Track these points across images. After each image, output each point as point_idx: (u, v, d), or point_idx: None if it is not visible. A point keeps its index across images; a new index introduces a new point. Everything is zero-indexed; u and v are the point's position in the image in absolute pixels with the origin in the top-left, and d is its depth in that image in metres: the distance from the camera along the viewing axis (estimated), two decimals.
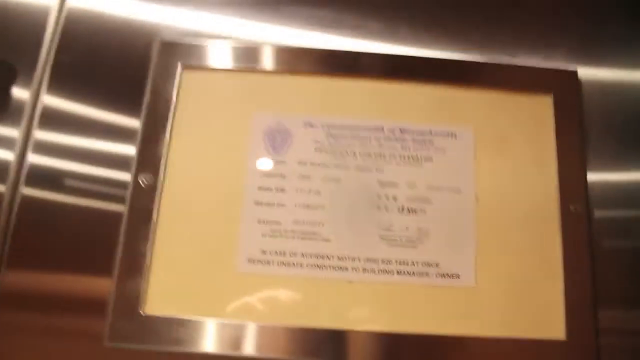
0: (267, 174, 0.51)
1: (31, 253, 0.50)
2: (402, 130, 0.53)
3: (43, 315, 0.48)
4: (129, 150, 0.52)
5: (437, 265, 0.49)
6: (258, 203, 0.50)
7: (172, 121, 0.53)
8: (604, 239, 0.52)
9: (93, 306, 0.48)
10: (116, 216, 0.50)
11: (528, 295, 0.49)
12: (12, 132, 0.53)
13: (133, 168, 0.51)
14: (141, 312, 0.47)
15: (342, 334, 0.47)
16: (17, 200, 0.51)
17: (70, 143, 0.53)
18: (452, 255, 0.50)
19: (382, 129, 0.53)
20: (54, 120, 0.54)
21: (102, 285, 0.48)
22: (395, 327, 0.48)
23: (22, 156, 0.52)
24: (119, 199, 0.51)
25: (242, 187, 0.51)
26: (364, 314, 0.48)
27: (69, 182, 0.52)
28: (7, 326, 0.48)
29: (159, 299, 0.48)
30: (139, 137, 0.52)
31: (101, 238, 0.50)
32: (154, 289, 0.48)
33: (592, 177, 0.53)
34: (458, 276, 0.49)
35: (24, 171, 0.52)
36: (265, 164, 0.52)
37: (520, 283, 0.49)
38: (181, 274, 0.48)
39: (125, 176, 0.52)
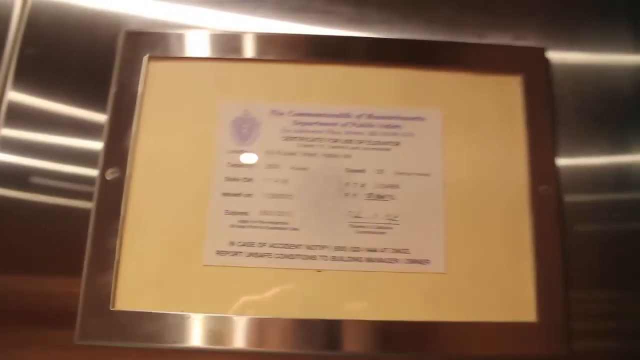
0: (235, 165, 0.51)
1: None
2: (369, 116, 0.52)
3: (11, 320, 0.48)
4: (97, 145, 0.52)
5: (406, 251, 0.49)
6: (225, 194, 0.50)
7: (139, 113, 0.52)
8: (574, 221, 0.52)
9: (63, 306, 0.48)
10: (85, 213, 0.50)
11: (498, 279, 0.49)
12: None
13: (100, 162, 0.51)
14: (111, 308, 0.47)
15: (312, 323, 0.47)
16: None
17: (36, 140, 0.53)
18: (422, 240, 0.49)
19: (350, 114, 0.52)
20: (19, 116, 0.53)
21: (72, 284, 0.48)
22: (366, 315, 0.48)
23: None
24: (87, 196, 0.50)
25: (210, 179, 0.50)
26: (334, 303, 0.48)
27: (36, 179, 0.52)
28: None
29: (129, 294, 0.48)
30: (105, 129, 0.52)
31: (70, 236, 0.49)
32: (123, 284, 0.48)
33: (562, 159, 0.53)
34: (428, 262, 0.49)
35: None
36: (232, 154, 0.51)
37: (491, 267, 0.49)
38: (150, 268, 0.48)
39: (93, 172, 0.51)
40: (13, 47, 0.55)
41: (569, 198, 0.52)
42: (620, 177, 0.53)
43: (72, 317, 0.47)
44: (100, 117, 0.53)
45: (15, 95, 0.54)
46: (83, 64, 0.55)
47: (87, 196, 0.51)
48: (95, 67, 0.54)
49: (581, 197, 0.53)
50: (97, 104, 0.53)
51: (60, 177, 0.52)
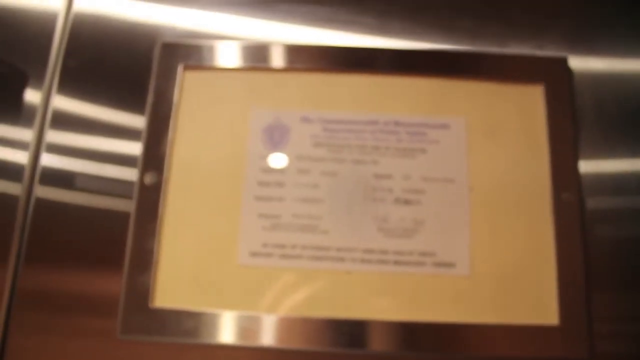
0: (267, 170, 0.53)
1: (46, 253, 0.52)
2: (396, 123, 0.54)
3: (58, 313, 0.51)
4: (135, 148, 0.55)
5: (433, 254, 0.51)
6: (258, 198, 0.52)
7: (175, 120, 0.55)
8: (596, 227, 0.53)
9: (106, 302, 0.50)
10: (125, 214, 0.53)
11: (521, 282, 0.51)
12: (26, 135, 0.55)
13: (139, 167, 0.53)
14: (150, 305, 0.49)
15: (340, 323, 0.49)
16: (32, 201, 0.53)
17: (79, 144, 0.55)
18: (447, 244, 0.51)
19: (377, 122, 0.54)
20: (64, 121, 0.56)
21: (114, 282, 0.51)
22: (393, 316, 0.49)
23: (35, 158, 0.55)
24: (127, 197, 0.53)
25: (243, 183, 0.53)
26: (363, 304, 0.50)
27: (80, 181, 0.54)
28: (24, 324, 0.50)
29: (167, 292, 0.50)
30: (143, 136, 0.54)
31: (112, 236, 0.52)
32: (161, 283, 0.50)
33: (584, 166, 0.54)
34: (453, 265, 0.51)
35: (38, 172, 0.54)
36: (264, 159, 0.54)
37: (514, 270, 0.51)
38: (187, 268, 0.51)
39: (132, 174, 0.54)
40: (57, 58, 0.58)
41: (591, 204, 0.53)
42: None
43: (115, 314, 0.50)
44: (138, 122, 0.55)
45: (59, 102, 0.57)
46: (122, 74, 0.57)
47: (127, 197, 0.53)
48: (133, 76, 0.57)
49: (603, 202, 0.54)
50: (134, 109, 0.56)
51: (101, 179, 0.54)
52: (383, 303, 0.50)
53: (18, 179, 0.54)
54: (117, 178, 0.54)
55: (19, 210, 0.53)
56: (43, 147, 0.55)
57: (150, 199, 0.52)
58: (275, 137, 0.54)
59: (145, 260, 0.51)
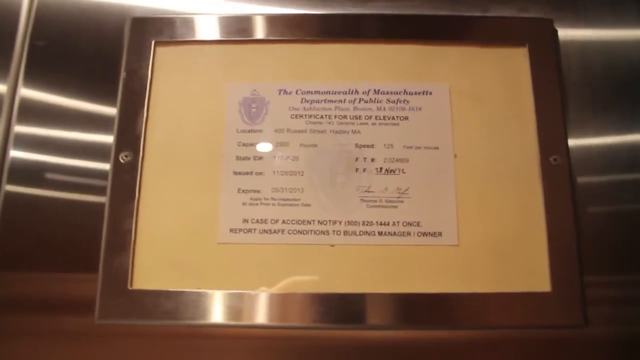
0: (245, 144, 0.52)
1: (18, 250, 0.50)
2: (376, 91, 0.53)
3: (34, 310, 0.49)
4: (109, 139, 0.52)
5: (418, 224, 0.50)
6: (237, 173, 0.51)
7: (149, 97, 0.53)
8: (585, 192, 0.51)
9: (82, 294, 0.49)
10: (99, 207, 0.51)
11: (512, 250, 0.49)
12: None
13: (113, 147, 0.52)
14: (129, 287, 0.48)
15: (327, 297, 0.48)
16: (1, 198, 0.51)
17: (49, 135, 0.53)
18: (433, 213, 0.50)
19: (357, 91, 0.53)
20: (32, 112, 0.54)
21: (89, 276, 0.49)
22: (380, 288, 0.48)
23: (3, 152, 0.53)
24: (101, 190, 0.51)
25: (221, 158, 0.51)
26: (348, 276, 0.48)
27: (50, 175, 0.52)
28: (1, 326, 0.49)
29: (146, 274, 0.49)
30: (116, 115, 0.52)
31: (84, 229, 0.50)
32: (140, 264, 0.49)
33: (572, 137, 0.53)
34: (440, 234, 0.49)
35: (6, 167, 0.52)
36: (242, 133, 0.52)
37: (503, 238, 0.49)
38: (166, 247, 0.49)
39: (106, 166, 0.52)
40: (23, 42, 0.56)
41: (579, 168, 0.52)
42: (631, 154, 0.53)
43: (91, 304, 0.48)
44: (111, 110, 0.53)
45: (27, 92, 0.54)
46: (92, 54, 0.55)
47: (101, 190, 0.51)
48: (104, 55, 0.55)
49: (592, 173, 0.52)
50: (107, 95, 0.54)
51: (73, 172, 0.52)
52: (369, 275, 0.49)
53: None
54: (89, 169, 0.52)
55: None
56: (11, 140, 0.53)
57: (126, 178, 0.51)
58: (253, 110, 0.52)
59: (122, 242, 0.49)
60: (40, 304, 0.49)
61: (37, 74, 0.55)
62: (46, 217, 0.51)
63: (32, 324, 0.49)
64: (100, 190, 0.51)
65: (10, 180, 0.52)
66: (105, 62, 0.54)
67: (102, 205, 0.50)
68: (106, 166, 0.52)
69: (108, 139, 0.52)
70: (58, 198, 0.52)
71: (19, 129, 0.53)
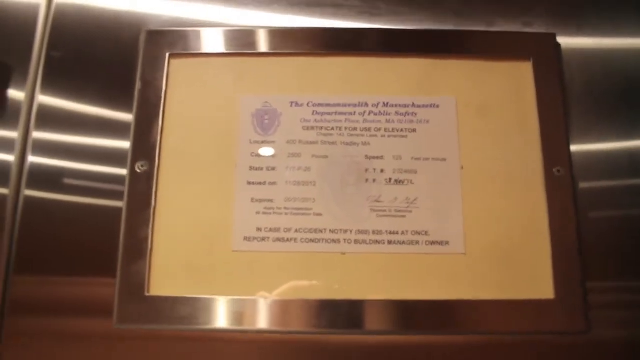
0: (257, 154, 0.53)
1: (37, 254, 0.52)
2: (385, 104, 0.54)
3: (52, 313, 0.50)
4: (125, 144, 0.54)
5: (426, 233, 0.51)
6: (250, 183, 0.52)
7: (164, 108, 0.54)
8: (588, 200, 0.53)
9: (101, 298, 0.50)
10: (116, 211, 0.52)
11: (517, 258, 0.51)
12: (11, 134, 0.54)
13: (129, 157, 0.53)
14: (146, 293, 0.49)
15: (337, 304, 0.49)
16: (21, 202, 0.53)
17: (67, 141, 0.55)
18: (441, 223, 0.51)
19: (366, 104, 0.54)
20: (50, 119, 0.55)
21: (107, 280, 0.50)
22: (389, 295, 0.50)
23: (22, 157, 0.54)
24: (119, 195, 0.53)
25: (234, 168, 0.53)
26: (358, 284, 0.50)
27: (69, 180, 0.54)
28: (20, 328, 0.50)
29: (162, 280, 0.50)
30: (132, 125, 0.54)
31: (102, 234, 0.52)
32: (156, 271, 0.50)
33: (575, 141, 0.54)
34: (447, 243, 0.51)
35: (25, 172, 0.54)
36: (254, 144, 0.53)
37: (509, 246, 0.51)
38: (182, 255, 0.51)
39: (122, 171, 0.53)
40: (40, 51, 0.57)
41: (582, 178, 0.53)
42: (632, 161, 0.54)
43: (108, 307, 0.50)
44: (125, 116, 0.55)
45: (44, 98, 0.56)
46: (107, 64, 0.57)
47: (118, 195, 0.53)
48: (119, 66, 0.56)
49: (594, 180, 0.54)
50: (122, 101, 0.55)
51: (90, 177, 0.54)
52: (379, 283, 0.50)
53: (5, 181, 0.53)
54: (107, 174, 0.54)
55: (7, 213, 0.52)
56: (29, 146, 0.54)
57: (142, 187, 0.52)
58: (266, 122, 0.54)
59: (139, 249, 0.50)
60: (59, 307, 0.50)
61: (55, 81, 0.56)
62: (64, 221, 0.52)
63: (50, 327, 0.50)
64: (117, 195, 0.53)
65: (29, 186, 0.53)
66: (121, 71, 0.56)
67: (119, 209, 0.52)
68: (123, 171, 0.53)
69: (125, 144, 0.54)
70: (76, 203, 0.53)
71: (37, 135, 0.55)
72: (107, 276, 0.50)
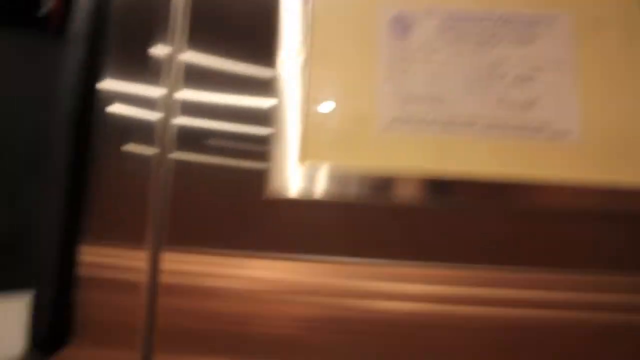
0: (394, 55, 0.60)
1: (189, 216, 0.55)
2: (508, 18, 0.61)
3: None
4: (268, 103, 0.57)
5: (548, 124, 0.57)
6: (389, 78, 0.59)
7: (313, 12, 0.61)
8: None
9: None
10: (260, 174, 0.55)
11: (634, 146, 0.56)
12: (156, 92, 0.56)
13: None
14: (299, 163, 0.56)
15: (469, 181, 0.56)
16: (168, 164, 0.55)
17: (211, 100, 0.57)
18: (560, 117, 0.57)
19: (493, 15, 0.61)
20: (195, 77, 0.57)
21: None
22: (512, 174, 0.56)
23: (167, 117, 0.56)
24: (263, 156, 0.56)
25: (375, 64, 0.59)
26: (487, 164, 0.56)
27: (213, 141, 0.56)
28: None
29: (316, 150, 0.56)
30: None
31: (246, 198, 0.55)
32: (310, 140, 0.57)
33: None
34: (566, 133, 0.57)
35: (171, 133, 0.56)
36: (391, 47, 0.60)
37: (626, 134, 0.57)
38: (333, 130, 0.57)
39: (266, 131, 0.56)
40: (184, 8, 0.59)
41: None
42: None
43: None
44: (268, 72, 0.58)
45: (189, 56, 0.58)
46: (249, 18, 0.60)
47: (263, 156, 0.56)
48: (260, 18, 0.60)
49: None
50: (267, 58, 0.58)
51: (235, 138, 0.56)
52: (503, 164, 0.56)
53: (151, 142, 0.55)
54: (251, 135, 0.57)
55: (157, 174, 0.55)
56: (176, 106, 0.56)
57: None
58: (400, 29, 0.60)
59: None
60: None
61: (197, 38, 0.58)
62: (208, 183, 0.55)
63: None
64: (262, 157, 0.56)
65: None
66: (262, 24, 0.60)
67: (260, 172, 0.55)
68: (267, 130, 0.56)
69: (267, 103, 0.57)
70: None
71: (182, 94, 0.57)
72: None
